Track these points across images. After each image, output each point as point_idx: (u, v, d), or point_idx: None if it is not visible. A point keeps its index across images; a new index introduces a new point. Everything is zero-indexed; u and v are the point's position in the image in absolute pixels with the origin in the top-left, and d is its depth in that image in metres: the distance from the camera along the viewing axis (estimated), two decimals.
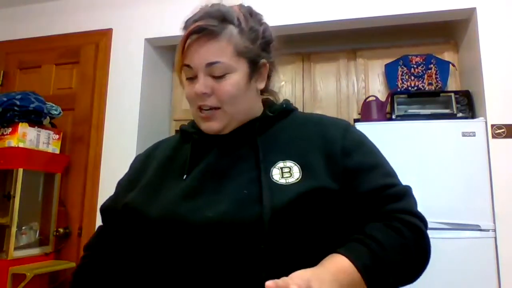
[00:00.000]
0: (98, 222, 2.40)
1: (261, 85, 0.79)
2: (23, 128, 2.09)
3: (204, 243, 0.65)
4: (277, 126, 0.78)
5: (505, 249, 1.79)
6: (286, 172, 0.68)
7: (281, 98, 0.86)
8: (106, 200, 0.88)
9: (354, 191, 0.69)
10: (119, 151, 2.33)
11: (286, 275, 0.63)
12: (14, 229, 1.99)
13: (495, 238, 1.80)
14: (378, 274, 0.60)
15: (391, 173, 0.73)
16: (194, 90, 0.72)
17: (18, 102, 2.08)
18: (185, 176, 0.74)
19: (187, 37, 0.71)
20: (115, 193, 0.87)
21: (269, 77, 0.81)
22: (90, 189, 2.33)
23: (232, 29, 0.72)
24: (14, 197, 2.02)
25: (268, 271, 0.62)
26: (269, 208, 0.63)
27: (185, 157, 0.77)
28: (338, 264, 0.60)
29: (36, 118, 2.15)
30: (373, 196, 0.68)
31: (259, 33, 0.75)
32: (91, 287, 0.80)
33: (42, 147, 2.19)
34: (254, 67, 0.75)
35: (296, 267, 0.61)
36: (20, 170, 2.05)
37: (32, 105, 2.11)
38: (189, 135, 0.81)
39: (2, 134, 2.11)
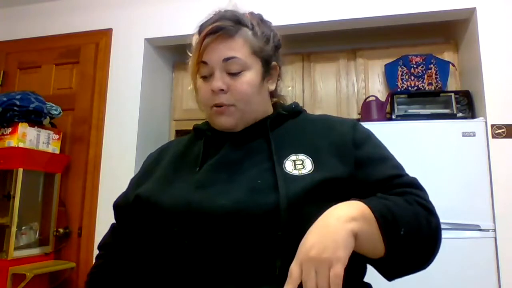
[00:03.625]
0: (98, 222, 2.41)
1: (272, 86, 0.83)
2: (23, 128, 2.09)
3: (218, 231, 0.66)
4: (288, 123, 0.81)
5: (505, 249, 1.78)
6: (298, 164, 0.71)
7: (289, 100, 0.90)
8: (119, 197, 0.88)
9: (365, 180, 0.71)
10: (119, 151, 2.33)
11: None
12: (14, 229, 1.99)
13: (495, 238, 1.80)
14: (390, 219, 0.60)
15: (400, 166, 0.75)
16: (211, 86, 0.75)
17: (18, 102, 2.08)
18: (197, 169, 0.76)
19: (204, 37, 0.74)
20: (127, 189, 0.88)
21: (278, 80, 0.85)
22: (90, 189, 2.33)
23: (246, 31, 0.77)
24: (14, 197, 2.02)
25: (283, 258, 0.63)
26: (285, 196, 0.65)
27: (198, 152, 0.80)
28: (351, 203, 0.61)
29: (36, 118, 2.15)
30: (384, 184, 0.70)
31: (270, 37, 0.81)
32: (108, 287, 0.81)
33: (42, 147, 2.19)
34: (267, 67, 0.80)
35: None
36: (20, 170, 2.05)
37: (32, 105, 2.11)
38: (202, 132, 0.84)
39: (2, 134, 2.10)
